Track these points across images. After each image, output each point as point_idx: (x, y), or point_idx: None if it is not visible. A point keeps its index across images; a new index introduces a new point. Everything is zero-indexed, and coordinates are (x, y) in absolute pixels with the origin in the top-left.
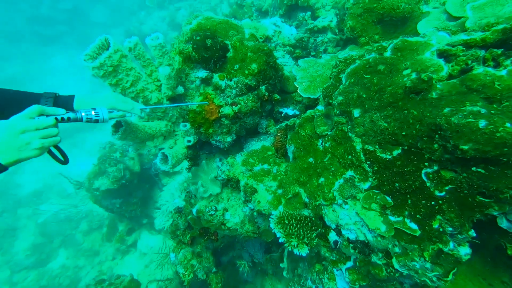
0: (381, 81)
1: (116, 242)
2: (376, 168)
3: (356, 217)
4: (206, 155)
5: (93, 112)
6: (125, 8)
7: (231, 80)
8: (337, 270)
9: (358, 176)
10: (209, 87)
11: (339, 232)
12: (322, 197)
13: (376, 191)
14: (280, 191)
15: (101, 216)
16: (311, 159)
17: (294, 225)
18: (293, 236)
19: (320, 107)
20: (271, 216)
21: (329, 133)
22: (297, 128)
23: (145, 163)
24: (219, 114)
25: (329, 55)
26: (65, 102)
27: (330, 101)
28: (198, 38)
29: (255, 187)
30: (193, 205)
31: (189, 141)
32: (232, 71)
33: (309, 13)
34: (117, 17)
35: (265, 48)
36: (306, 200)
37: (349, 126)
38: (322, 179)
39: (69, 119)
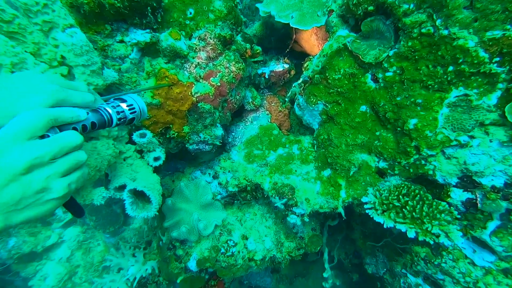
0: None
1: None
2: None
3: (502, 150)
4: (169, 177)
5: (124, 106)
6: None
7: (191, 37)
8: (464, 244)
9: (476, 90)
10: (159, 58)
11: (468, 184)
12: (425, 144)
13: None
14: (327, 172)
15: None
16: (363, 107)
17: (411, 203)
18: (425, 220)
19: (343, 32)
20: (366, 206)
21: (390, 53)
22: (318, 76)
23: None
24: (194, 98)
25: None
26: None
27: (371, 8)
28: None
29: (288, 183)
30: (183, 257)
31: (157, 158)
32: (187, 22)
33: None
34: None
35: None
36: (382, 165)
37: (439, 20)
38: (413, 121)
39: (93, 127)
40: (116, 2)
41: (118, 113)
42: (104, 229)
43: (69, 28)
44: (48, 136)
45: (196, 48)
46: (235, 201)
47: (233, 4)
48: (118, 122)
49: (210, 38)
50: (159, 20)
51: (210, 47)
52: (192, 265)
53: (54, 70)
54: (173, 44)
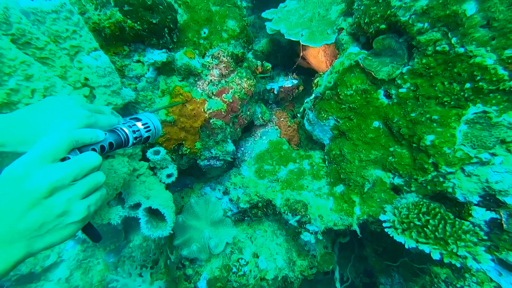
0: None
1: None
2: None
3: None
4: (178, 193)
5: (139, 125)
6: None
7: (204, 56)
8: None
9: (495, 107)
10: (173, 76)
11: (491, 203)
12: (443, 161)
13: None
14: (340, 188)
15: None
16: (376, 123)
17: (432, 222)
18: (450, 241)
19: (354, 49)
20: (385, 224)
21: (404, 70)
22: (329, 91)
23: None
24: (207, 115)
25: None
26: None
27: (383, 26)
28: None
29: (300, 199)
30: (193, 277)
31: (169, 175)
32: (201, 41)
33: None
34: None
35: None
36: (397, 181)
37: (455, 39)
38: (430, 137)
39: (111, 147)
40: (135, 25)
41: (134, 132)
42: (105, 247)
43: (93, 51)
44: (69, 158)
45: (209, 65)
46: (246, 218)
47: (245, 24)
48: (134, 141)
49: (223, 56)
50: (175, 40)
51: (223, 65)
52: (202, 285)
53: (77, 91)
54: (188, 62)
